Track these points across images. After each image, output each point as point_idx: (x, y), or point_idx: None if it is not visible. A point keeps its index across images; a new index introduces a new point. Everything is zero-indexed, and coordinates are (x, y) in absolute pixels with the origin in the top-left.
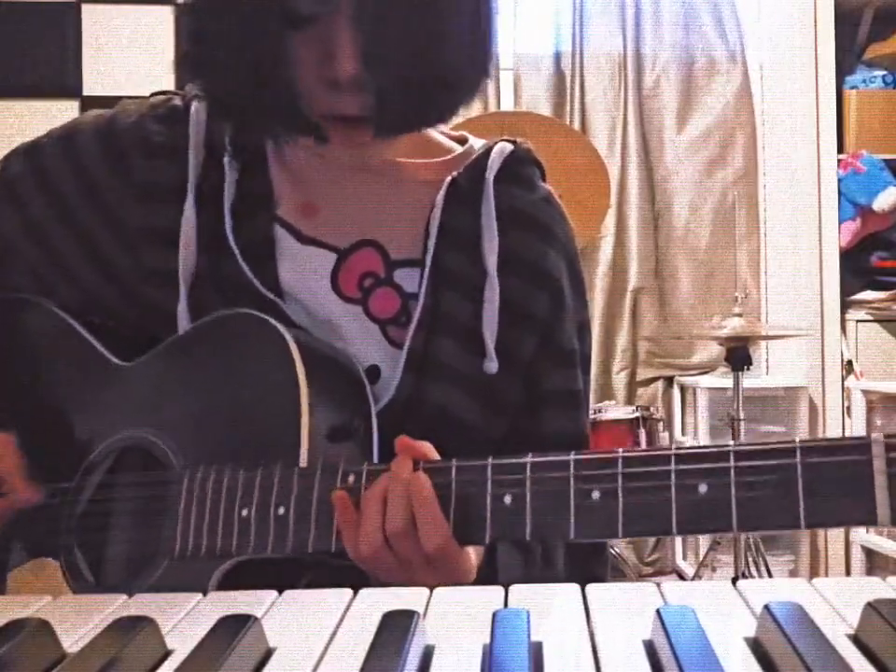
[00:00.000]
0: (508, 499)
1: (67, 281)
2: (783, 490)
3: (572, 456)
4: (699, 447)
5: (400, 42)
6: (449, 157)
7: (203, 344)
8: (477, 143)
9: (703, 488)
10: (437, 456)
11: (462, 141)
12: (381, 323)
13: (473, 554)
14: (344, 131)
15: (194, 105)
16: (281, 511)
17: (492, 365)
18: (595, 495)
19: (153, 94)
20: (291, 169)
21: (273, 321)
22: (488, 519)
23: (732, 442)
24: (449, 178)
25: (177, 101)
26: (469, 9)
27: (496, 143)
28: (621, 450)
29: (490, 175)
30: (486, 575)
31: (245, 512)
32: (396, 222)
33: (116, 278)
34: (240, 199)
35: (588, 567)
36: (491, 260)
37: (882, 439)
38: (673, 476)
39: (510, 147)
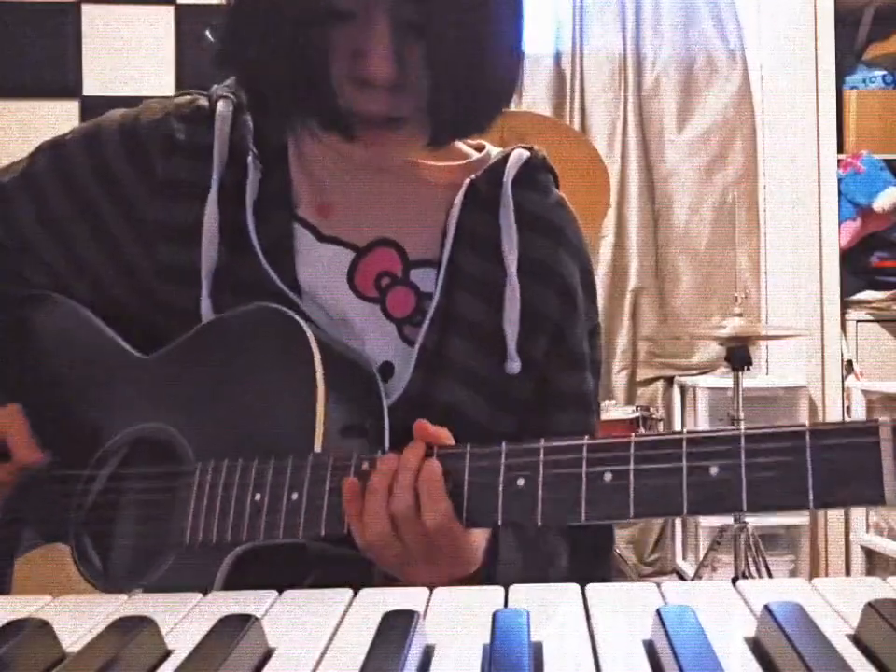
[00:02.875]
0: (521, 482)
1: (86, 277)
2: (792, 471)
3: (586, 441)
4: (711, 430)
5: (453, 48)
6: (467, 161)
7: (222, 338)
8: (494, 150)
9: (714, 470)
10: (452, 443)
11: (479, 148)
12: (397, 322)
13: (482, 541)
14: (371, 130)
15: (220, 105)
16: (294, 496)
17: (514, 365)
18: (608, 476)
19: (178, 94)
20: (311, 168)
21: (295, 316)
22: (500, 501)
23: (742, 426)
24: (468, 181)
25: (203, 101)
26: (510, 15)
27: (513, 149)
28: (633, 435)
29: (508, 179)
30: (486, 572)
31: (258, 496)
32: (414, 223)
33: (134, 275)
34: (261, 198)
35: (592, 568)
36: (511, 262)
37: (890, 422)
38: (685, 458)
39: (526, 153)
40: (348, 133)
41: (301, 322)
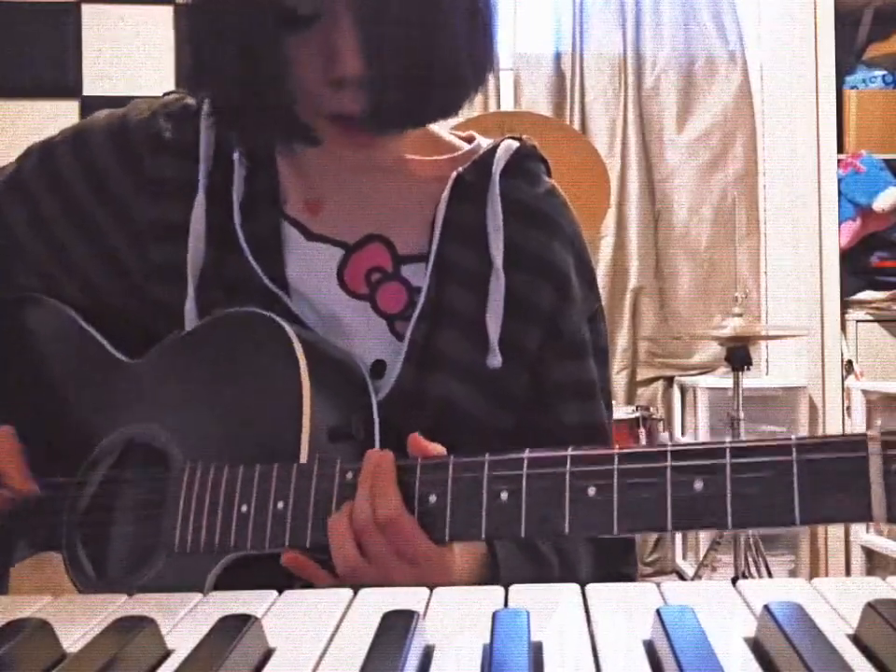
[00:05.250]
0: (504, 495)
1: (76, 278)
2: (779, 487)
3: (569, 452)
4: (695, 443)
5: (398, 38)
6: (455, 154)
7: (208, 341)
8: (484, 142)
9: (698, 485)
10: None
11: (469, 140)
12: (388, 318)
13: (461, 558)
14: (346, 130)
15: (206, 104)
16: (280, 505)
17: (494, 360)
18: (591, 491)
19: (166, 94)
20: (299, 166)
21: (278, 319)
22: (483, 515)
23: (728, 439)
24: (454, 174)
25: (189, 100)
26: (465, 4)
27: (502, 140)
28: (617, 447)
29: (496, 170)
30: (490, 580)
31: (244, 508)
32: (403, 218)
33: (123, 275)
34: (248, 196)
35: (618, 567)
36: (497, 253)
37: (878, 435)
38: (669, 472)
39: (516, 143)
40: (311, 137)
41: (284, 324)
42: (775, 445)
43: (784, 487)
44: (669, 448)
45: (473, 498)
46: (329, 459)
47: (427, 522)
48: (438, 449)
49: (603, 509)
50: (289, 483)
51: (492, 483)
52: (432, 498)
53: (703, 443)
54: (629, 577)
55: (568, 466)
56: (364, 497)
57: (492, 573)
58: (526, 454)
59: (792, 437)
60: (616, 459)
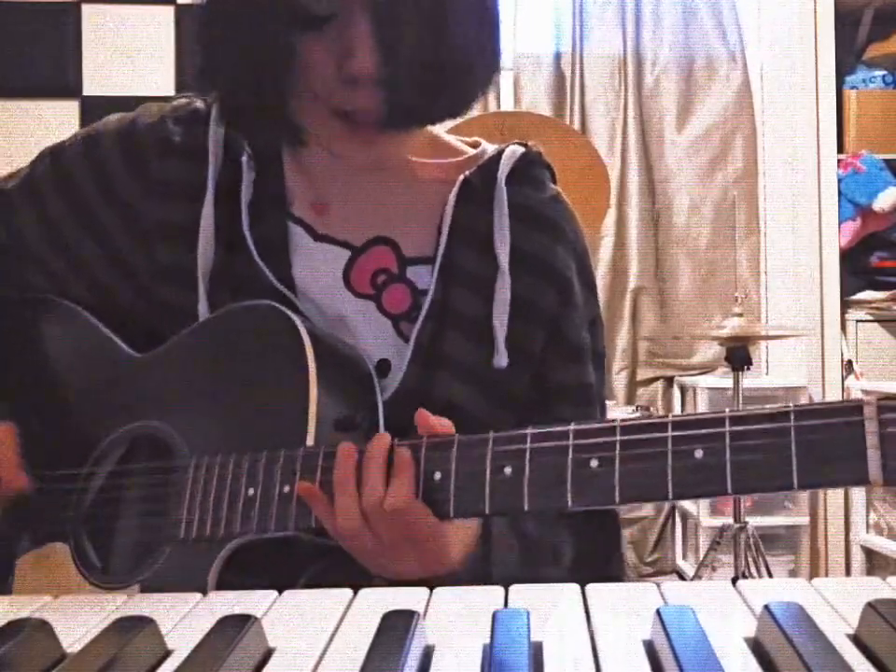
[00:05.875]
0: (508, 470)
1: (86, 280)
2: (777, 453)
3: (572, 427)
4: (695, 413)
5: (412, 37)
6: (462, 158)
7: (216, 335)
8: (489, 147)
9: (699, 453)
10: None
11: (475, 145)
12: (393, 318)
13: (461, 543)
14: (355, 128)
15: (215, 108)
16: (286, 489)
17: (501, 359)
18: (594, 463)
19: (176, 97)
20: (306, 168)
21: (286, 311)
22: (487, 490)
23: (727, 409)
24: (461, 178)
25: (199, 103)
26: (475, 4)
27: (507, 145)
28: (618, 419)
29: (502, 175)
30: (481, 567)
31: (250, 492)
32: (409, 220)
33: (134, 277)
34: (256, 198)
35: (603, 568)
36: (503, 257)
37: (874, 400)
38: (670, 442)
39: (521, 149)
40: (297, 138)
41: (294, 317)
42: (773, 412)
43: (782, 452)
44: (670, 419)
45: (477, 474)
46: (335, 444)
47: (432, 499)
48: (445, 424)
49: (605, 480)
50: (295, 467)
51: (496, 458)
52: (437, 476)
53: (703, 413)
54: (616, 580)
55: (571, 439)
56: (376, 482)
57: (483, 550)
58: (530, 430)
59: (790, 404)
60: (618, 431)
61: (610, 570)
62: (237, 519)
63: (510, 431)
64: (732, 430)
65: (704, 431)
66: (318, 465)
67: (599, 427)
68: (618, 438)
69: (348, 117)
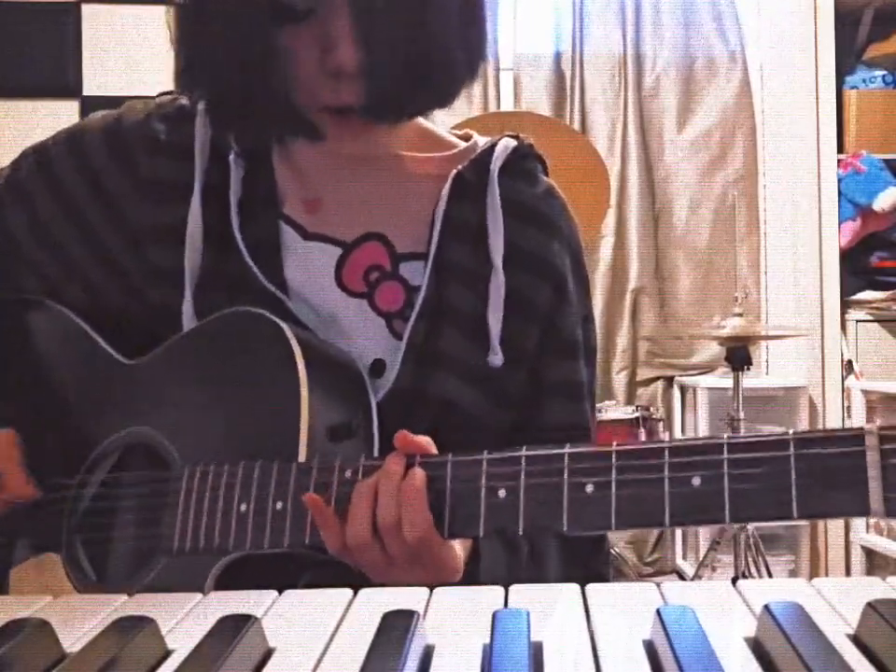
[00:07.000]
0: (502, 493)
1: (76, 281)
2: (776, 481)
3: (567, 450)
4: (693, 439)
5: (394, 28)
6: (453, 151)
7: (206, 342)
8: (481, 140)
9: (696, 481)
10: (435, 451)
11: (466, 138)
12: (386, 316)
13: (461, 551)
14: (343, 121)
15: (201, 105)
16: (279, 505)
17: (496, 358)
18: (589, 488)
19: (160, 94)
20: (296, 165)
21: (275, 319)
22: (482, 512)
23: (725, 435)
24: (454, 172)
25: (184, 100)
26: None
27: (499, 138)
28: (615, 443)
29: (495, 168)
30: (470, 573)
31: (243, 507)
32: (401, 216)
33: (121, 277)
34: (245, 196)
35: (589, 565)
36: (497, 252)
37: (876, 430)
38: (667, 469)
39: (513, 142)
40: (315, 132)
41: (282, 324)
42: (772, 440)
43: (782, 481)
44: (667, 445)
45: (472, 496)
46: (329, 459)
47: None
48: (424, 443)
49: (601, 505)
50: (288, 483)
51: (490, 480)
52: (430, 496)
53: (700, 439)
54: (602, 576)
55: (566, 463)
56: (390, 506)
57: (472, 557)
58: (524, 451)
59: (790, 431)
60: (614, 456)
61: (599, 568)
62: (231, 534)
63: (503, 453)
64: (730, 458)
65: (701, 458)
66: (311, 482)
67: (595, 451)
68: (614, 463)
69: (334, 109)
